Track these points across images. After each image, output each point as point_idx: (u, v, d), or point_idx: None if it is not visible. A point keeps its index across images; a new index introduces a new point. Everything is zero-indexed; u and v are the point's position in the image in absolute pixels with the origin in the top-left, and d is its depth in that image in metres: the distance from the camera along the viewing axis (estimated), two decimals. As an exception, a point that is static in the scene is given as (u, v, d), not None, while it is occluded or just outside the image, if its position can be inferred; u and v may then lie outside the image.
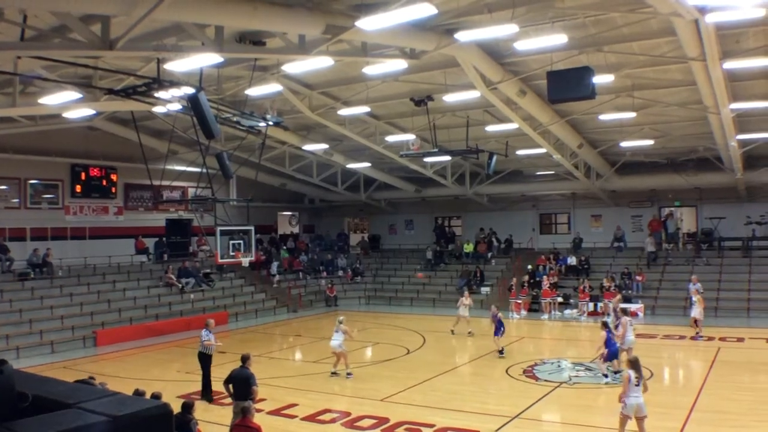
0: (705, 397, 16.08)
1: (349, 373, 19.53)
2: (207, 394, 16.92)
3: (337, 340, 19.44)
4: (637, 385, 12.18)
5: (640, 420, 12.25)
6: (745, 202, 34.62)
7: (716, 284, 31.36)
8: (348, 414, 15.35)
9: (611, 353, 17.85)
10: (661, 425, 13.93)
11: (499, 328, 22.31)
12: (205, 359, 17.19)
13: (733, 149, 27.71)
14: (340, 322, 19.78)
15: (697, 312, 24.65)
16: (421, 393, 17.33)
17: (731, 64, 19.54)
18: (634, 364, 12.40)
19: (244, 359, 13.64)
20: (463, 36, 16.71)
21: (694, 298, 25.12)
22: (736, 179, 31.79)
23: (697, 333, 24.35)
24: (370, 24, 14.60)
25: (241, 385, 13.00)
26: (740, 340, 23.57)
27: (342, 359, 19.61)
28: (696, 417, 14.34)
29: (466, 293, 28.56)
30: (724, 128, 25.03)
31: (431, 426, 14.23)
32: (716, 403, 15.59)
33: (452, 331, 26.77)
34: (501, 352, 22.11)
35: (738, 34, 18.68)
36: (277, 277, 37.85)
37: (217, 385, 15.74)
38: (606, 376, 17.84)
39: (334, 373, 19.67)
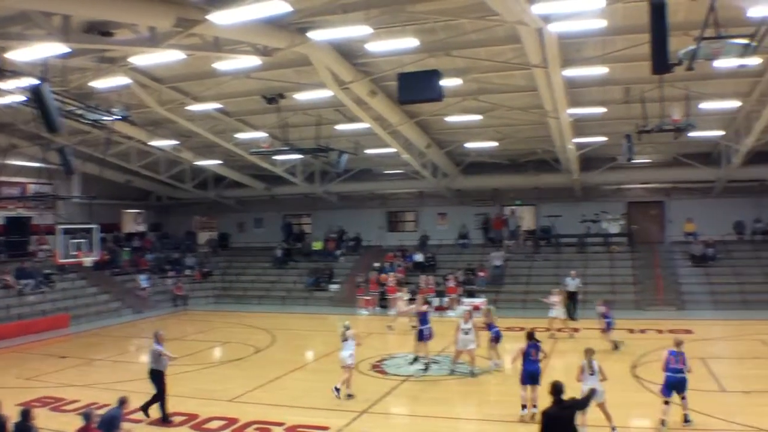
0: (543, 386, 16.87)
1: (349, 395, 16.48)
2: (164, 413, 15.19)
3: (347, 351, 16.46)
4: (591, 374, 13.05)
5: (600, 405, 12.92)
6: (581, 201, 36.94)
7: (554, 278, 33.09)
8: (196, 416, 15.10)
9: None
10: (503, 413, 14.66)
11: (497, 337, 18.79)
12: (158, 376, 15.28)
13: (570, 152, 29.39)
14: (347, 328, 16.80)
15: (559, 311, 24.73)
16: (270, 392, 17.32)
17: (571, 72, 20.73)
18: (588, 353, 13.35)
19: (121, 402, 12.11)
20: (316, 35, 16.88)
21: (555, 298, 24.80)
22: (572, 180, 33.91)
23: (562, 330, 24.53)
24: (222, 18, 14.48)
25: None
26: (575, 330, 24.85)
27: (349, 375, 16.59)
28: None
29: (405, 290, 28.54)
30: (563, 132, 26.50)
31: (281, 424, 14.26)
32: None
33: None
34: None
35: (578, 43, 19.82)
36: (148, 290, 36.21)
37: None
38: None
39: (338, 390, 16.37)
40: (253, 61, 19.76)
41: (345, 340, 16.53)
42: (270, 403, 16.27)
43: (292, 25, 17.97)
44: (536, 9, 15.21)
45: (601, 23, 16.57)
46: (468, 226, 39.20)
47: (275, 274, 39.70)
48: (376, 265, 35.81)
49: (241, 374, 19.78)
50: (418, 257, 37.24)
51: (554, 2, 15.29)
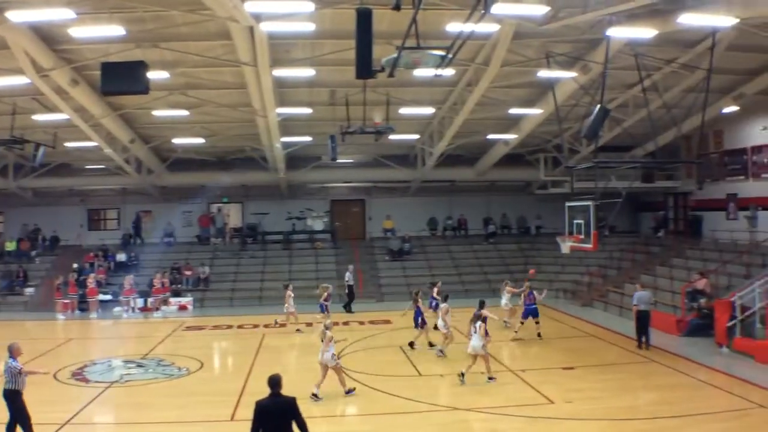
0: (253, 380, 17.05)
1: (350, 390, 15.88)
2: None
3: (329, 352, 15.67)
4: (474, 332, 16.58)
5: (475, 357, 16.60)
6: (287, 199, 38.15)
7: (260, 275, 33.73)
8: None
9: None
10: (214, 413, 14.57)
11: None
12: (14, 397, 12.57)
13: (278, 150, 29.98)
14: (327, 328, 16.11)
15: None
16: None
17: (280, 72, 21.20)
18: (475, 317, 16.93)
19: None
20: (14, 16, 15.68)
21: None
22: (279, 178, 34.70)
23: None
24: None
25: None
26: (282, 325, 25.29)
27: (339, 374, 15.95)
28: (245, 401, 14.98)
29: (290, 286, 26.26)
30: (270, 131, 26.96)
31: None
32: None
33: (298, 329, 24.95)
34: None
35: (289, 44, 20.34)
36: None
37: None
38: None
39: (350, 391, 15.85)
40: (-63, 40, 17.91)
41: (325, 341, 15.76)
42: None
43: (-13, 4, 16.53)
44: (248, 7, 15.35)
45: (310, 26, 17.12)
46: (174, 224, 38.47)
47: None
48: (75, 266, 33.86)
49: None
50: (121, 257, 35.81)
51: (266, 2, 15.58)
